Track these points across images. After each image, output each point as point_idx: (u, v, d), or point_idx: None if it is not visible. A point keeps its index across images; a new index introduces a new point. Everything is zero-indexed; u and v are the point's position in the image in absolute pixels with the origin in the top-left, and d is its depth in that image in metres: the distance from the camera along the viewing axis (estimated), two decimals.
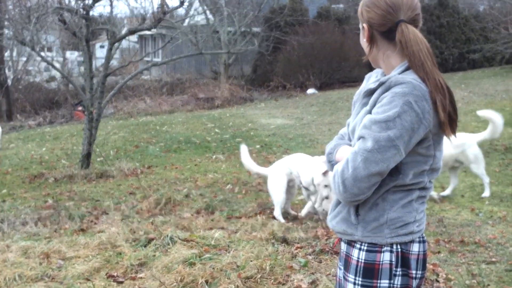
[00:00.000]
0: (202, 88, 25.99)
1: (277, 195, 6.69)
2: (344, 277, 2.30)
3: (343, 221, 2.28)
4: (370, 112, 2.16)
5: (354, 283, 2.23)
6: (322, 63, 25.41)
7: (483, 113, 7.73)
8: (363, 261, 2.22)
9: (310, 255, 5.36)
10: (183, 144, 13.06)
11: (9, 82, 27.28)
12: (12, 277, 4.95)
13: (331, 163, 2.33)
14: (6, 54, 27.70)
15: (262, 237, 5.88)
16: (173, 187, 8.55)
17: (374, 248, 2.21)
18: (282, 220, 6.50)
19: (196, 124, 16.31)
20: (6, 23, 21.87)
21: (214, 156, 11.47)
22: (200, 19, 26.81)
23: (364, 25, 2.24)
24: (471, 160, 7.44)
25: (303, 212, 6.80)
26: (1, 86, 26.42)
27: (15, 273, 5.01)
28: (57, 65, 24.30)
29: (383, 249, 2.20)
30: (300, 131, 14.13)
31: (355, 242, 2.26)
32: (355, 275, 2.23)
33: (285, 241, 5.76)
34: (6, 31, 20.90)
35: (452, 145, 6.83)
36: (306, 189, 6.65)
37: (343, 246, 2.34)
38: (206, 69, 30.22)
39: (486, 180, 7.58)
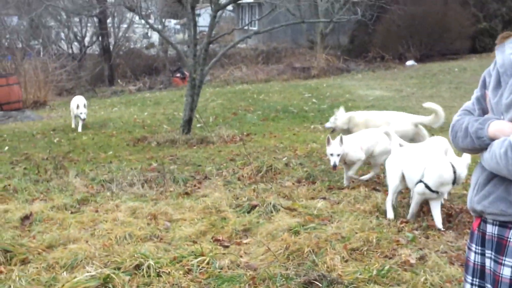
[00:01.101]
0: (298, 58, 25.86)
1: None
2: (496, 261, 2.17)
3: (500, 201, 2.15)
4: None
5: None
6: (422, 34, 24.56)
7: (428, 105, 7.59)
8: None
9: (416, 230, 5.22)
10: (280, 113, 13.06)
11: (111, 48, 28.22)
12: (123, 235, 5.12)
13: (482, 139, 2.20)
14: (108, 21, 28.59)
15: (366, 209, 5.78)
16: (273, 155, 8.53)
17: None
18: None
19: (293, 94, 16.26)
20: None
21: (312, 126, 11.39)
22: None
23: None
24: None
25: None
26: (104, 52, 27.38)
27: (125, 232, 5.19)
28: (156, 33, 24.84)
29: None
30: (399, 103, 13.74)
31: None
32: None
33: None
34: None
35: None
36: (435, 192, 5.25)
37: (492, 228, 2.21)
38: (302, 38, 29.93)
39: None
